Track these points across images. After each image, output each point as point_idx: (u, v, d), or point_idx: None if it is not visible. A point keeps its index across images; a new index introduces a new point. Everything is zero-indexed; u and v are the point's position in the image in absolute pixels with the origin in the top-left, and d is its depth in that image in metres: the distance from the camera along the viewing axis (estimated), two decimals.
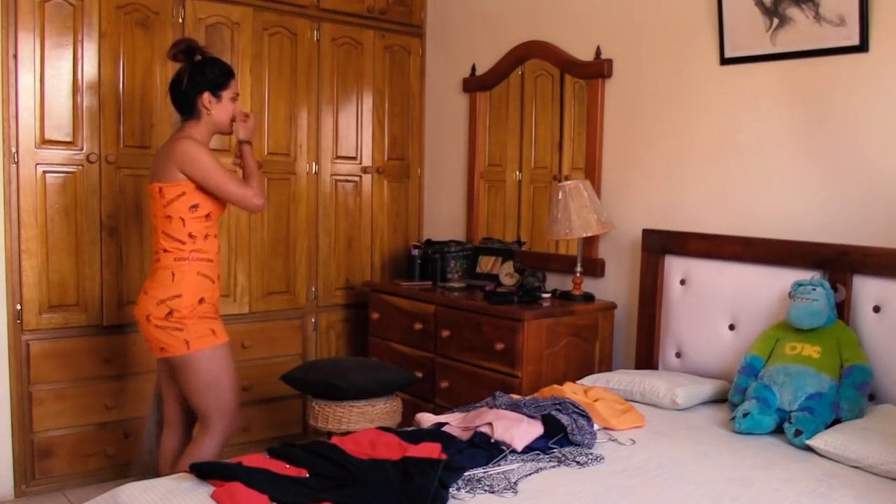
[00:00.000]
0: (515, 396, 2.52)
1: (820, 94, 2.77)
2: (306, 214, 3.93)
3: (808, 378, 2.39)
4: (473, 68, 4.05)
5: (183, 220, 2.58)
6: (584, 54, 3.52)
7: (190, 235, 2.59)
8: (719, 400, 2.74)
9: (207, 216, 2.63)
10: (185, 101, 2.67)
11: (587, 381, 2.85)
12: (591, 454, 2.13)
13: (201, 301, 2.60)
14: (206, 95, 2.65)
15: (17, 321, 3.18)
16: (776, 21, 2.82)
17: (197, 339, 2.58)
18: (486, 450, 2.10)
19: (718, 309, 2.91)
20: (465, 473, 1.94)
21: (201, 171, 2.56)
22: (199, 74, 2.65)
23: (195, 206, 2.59)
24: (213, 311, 2.66)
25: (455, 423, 2.31)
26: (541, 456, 2.11)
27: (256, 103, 3.71)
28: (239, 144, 2.76)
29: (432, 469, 1.86)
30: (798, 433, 2.25)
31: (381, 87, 4.16)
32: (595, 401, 2.49)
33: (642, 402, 2.69)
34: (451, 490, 1.84)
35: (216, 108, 2.67)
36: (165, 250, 2.59)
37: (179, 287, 2.58)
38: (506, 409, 2.34)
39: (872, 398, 2.50)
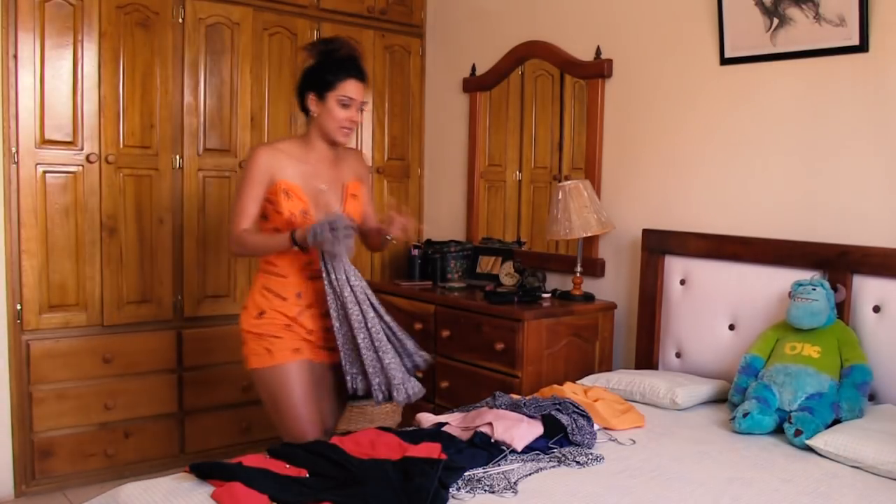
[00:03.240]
0: (515, 396, 2.52)
1: (820, 94, 2.77)
2: None
3: (808, 378, 2.39)
4: (473, 68, 4.05)
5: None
6: (584, 54, 3.52)
7: None
8: (719, 400, 2.74)
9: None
10: (300, 101, 2.46)
11: (587, 381, 2.85)
12: (591, 454, 2.12)
13: (261, 315, 2.43)
14: (311, 96, 2.41)
15: (17, 321, 3.18)
16: (776, 21, 2.82)
17: (253, 356, 2.43)
18: (486, 450, 2.09)
19: (718, 309, 2.91)
20: (465, 473, 1.94)
21: (238, 181, 2.41)
22: (308, 72, 2.44)
23: (265, 218, 2.42)
24: (279, 327, 2.42)
25: (455, 423, 2.31)
26: (541, 456, 2.11)
27: (256, 103, 3.71)
28: (378, 231, 2.47)
29: (432, 469, 1.86)
30: (798, 433, 2.24)
31: (381, 87, 4.16)
32: (595, 401, 2.49)
33: (642, 402, 2.69)
34: (451, 490, 1.84)
35: (321, 113, 2.41)
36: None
37: (248, 298, 2.49)
38: (506, 409, 2.34)
39: (872, 398, 2.50)
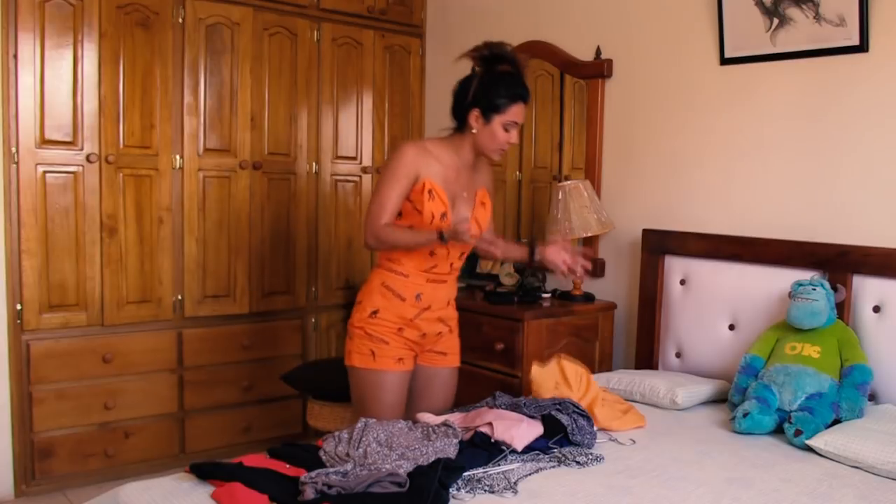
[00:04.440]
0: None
1: (820, 94, 2.77)
2: (306, 214, 3.93)
3: (808, 378, 2.39)
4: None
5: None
6: (584, 54, 3.52)
7: None
8: (719, 400, 2.74)
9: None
10: (457, 110, 2.43)
11: None
12: (591, 454, 2.12)
13: (374, 314, 2.41)
14: (475, 113, 2.37)
15: (17, 321, 3.18)
16: (776, 21, 2.82)
17: (356, 354, 2.43)
18: (486, 450, 2.09)
19: (718, 309, 2.91)
20: (465, 473, 1.94)
21: (381, 174, 2.40)
22: (481, 88, 2.37)
23: (399, 215, 2.39)
24: (390, 330, 2.42)
25: (455, 423, 2.31)
26: (541, 456, 2.11)
27: (257, 103, 3.71)
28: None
29: (432, 469, 1.86)
30: (798, 433, 2.24)
31: (381, 87, 4.16)
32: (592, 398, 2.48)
33: (642, 402, 2.68)
34: (451, 490, 1.84)
35: (481, 131, 2.38)
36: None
37: (363, 293, 2.47)
38: (506, 409, 2.34)
39: (872, 398, 2.50)
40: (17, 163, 3.14)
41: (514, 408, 2.34)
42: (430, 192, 2.35)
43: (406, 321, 2.43)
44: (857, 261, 2.57)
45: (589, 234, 3.26)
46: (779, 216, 2.89)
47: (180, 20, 3.47)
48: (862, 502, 1.88)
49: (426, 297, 2.44)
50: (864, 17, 2.60)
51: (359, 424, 2.11)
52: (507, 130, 2.38)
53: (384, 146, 4.20)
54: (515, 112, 2.37)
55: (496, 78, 2.38)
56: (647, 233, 3.19)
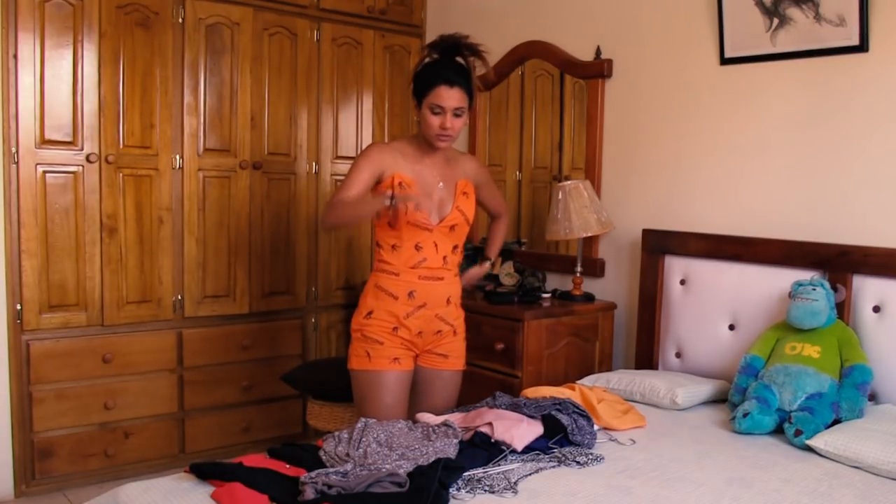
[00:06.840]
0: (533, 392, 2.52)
1: (820, 94, 2.77)
2: (306, 214, 3.93)
3: (808, 378, 2.39)
4: (473, 68, 4.04)
5: (374, 227, 2.49)
6: (584, 54, 3.52)
7: (378, 244, 2.47)
8: (719, 400, 2.74)
9: (389, 226, 2.42)
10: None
11: (587, 381, 2.85)
12: (591, 454, 2.12)
13: (369, 315, 2.44)
14: (414, 102, 2.44)
15: (17, 321, 3.18)
16: (776, 21, 2.82)
17: (354, 357, 2.47)
18: (486, 450, 2.09)
19: (718, 309, 2.91)
20: (465, 473, 1.94)
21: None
22: (414, 77, 2.42)
23: (378, 215, 2.39)
24: (385, 330, 2.43)
25: (455, 423, 2.31)
26: (541, 456, 2.11)
27: (257, 103, 3.71)
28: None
29: (432, 469, 1.86)
30: (798, 433, 2.24)
31: (381, 87, 4.16)
32: (597, 402, 2.48)
33: (642, 402, 2.69)
34: (451, 490, 1.84)
35: (419, 119, 2.40)
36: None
37: (360, 297, 2.50)
38: (506, 409, 2.34)
39: (872, 398, 2.50)
40: (17, 163, 3.14)
41: (514, 408, 2.34)
42: (399, 183, 2.39)
43: (400, 320, 2.44)
44: (858, 261, 2.57)
45: (589, 234, 3.26)
46: (779, 216, 2.89)
47: (180, 20, 3.47)
48: (862, 502, 1.88)
49: (420, 294, 2.45)
50: (864, 17, 2.60)
51: (359, 424, 2.11)
52: (435, 113, 2.35)
53: None
54: (440, 96, 2.33)
55: (426, 65, 2.41)
56: (647, 233, 3.19)
